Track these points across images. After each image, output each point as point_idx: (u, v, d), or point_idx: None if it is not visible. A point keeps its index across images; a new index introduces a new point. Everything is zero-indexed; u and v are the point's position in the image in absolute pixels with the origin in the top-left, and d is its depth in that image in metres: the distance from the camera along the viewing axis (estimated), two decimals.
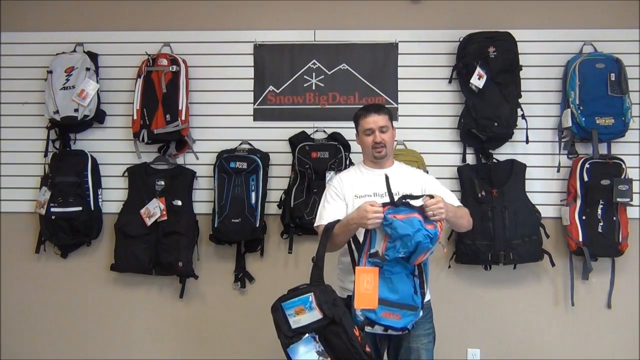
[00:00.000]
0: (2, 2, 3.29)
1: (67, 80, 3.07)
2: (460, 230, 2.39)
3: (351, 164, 3.03)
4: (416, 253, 1.99)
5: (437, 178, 2.44)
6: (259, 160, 3.02)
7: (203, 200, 3.18)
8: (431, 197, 2.06)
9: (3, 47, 3.28)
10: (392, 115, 2.41)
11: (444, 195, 2.24)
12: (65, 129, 3.16)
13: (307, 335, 2.03)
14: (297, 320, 2.03)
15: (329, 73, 3.19)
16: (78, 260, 3.24)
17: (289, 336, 2.04)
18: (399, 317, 2.06)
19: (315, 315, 2.03)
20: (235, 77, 3.21)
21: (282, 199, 3.08)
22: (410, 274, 2.08)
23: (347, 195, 2.32)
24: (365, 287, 2.01)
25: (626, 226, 2.96)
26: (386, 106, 2.45)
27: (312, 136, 3.13)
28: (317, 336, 2.04)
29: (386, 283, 2.05)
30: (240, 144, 3.16)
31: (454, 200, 2.33)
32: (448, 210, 2.09)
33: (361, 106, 2.45)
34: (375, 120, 2.29)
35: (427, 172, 2.79)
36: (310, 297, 2.03)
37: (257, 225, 3.01)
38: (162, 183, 3.10)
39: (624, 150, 3.05)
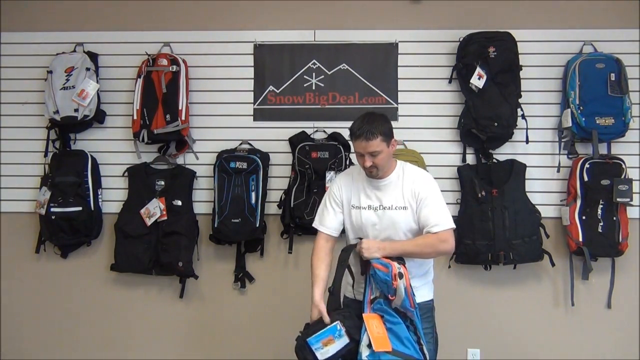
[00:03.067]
0: (2, 2, 3.29)
1: (67, 80, 3.07)
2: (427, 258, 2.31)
3: (351, 163, 3.03)
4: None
5: (437, 178, 2.38)
6: (259, 160, 3.02)
7: (203, 200, 3.18)
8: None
9: (3, 47, 3.28)
10: (388, 133, 2.20)
11: (430, 213, 2.20)
12: (65, 129, 3.16)
13: None
14: (326, 352, 2.05)
15: (329, 73, 3.19)
16: (78, 260, 3.24)
17: None
18: None
19: (344, 341, 2.06)
20: (235, 77, 3.21)
21: (282, 199, 3.08)
22: (407, 327, 2.08)
23: (345, 202, 2.34)
24: (377, 332, 2.03)
25: (626, 226, 2.96)
26: (381, 124, 2.18)
27: (312, 136, 3.13)
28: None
29: (392, 334, 2.06)
30: (240, 144, 3.16)
31: (436, 219, 2.19)
32: (385, 248, 2.13)
33: (360, 108, 2.44)
34: (364, 146, 2.18)
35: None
36: (339, 325, 2.07)
37: (257, 225, 3.01)
38: (162, 183, 3.10)
39: (624, 150, 3.05)
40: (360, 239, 2.21)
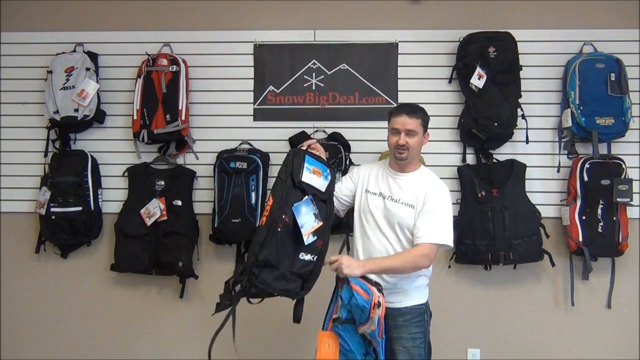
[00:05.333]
0: (2, 2, 3.29)
1: (67, 80, 3.07)
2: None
3: (351, 164, 3.04)
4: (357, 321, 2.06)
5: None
6: (259, 160, 3.02)
7: (203, 200, 3.18)
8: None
9: (3, 47, 3.28)
10: (426, 122, 2.33)
11: (425, 224, 2.20)
12: (65, 129, 3.16)
13: (307, 197, 2.10)
14: (310, 177, 2.12)
15: (329, 73, 3.19)
16: (78, 260, 3.24)
17: (295, 183, 2.09)
18: None
19: (323, 185, 2.16)
20: (235, 77, 3.21)
21: None
22: (364, 354, 2.07)
23: (359, 184, 2.40)
24: (327, 351, 2.06)
25: (626, 226, 2.96)
26: (423, 112, 2.33)
27: (312, 136, 3.12)
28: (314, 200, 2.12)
29: (343, 358, 2.07)
30: (240, 144, 3.16)
31: (427, 230, 2.19)
32: (366, 266, 2.11)
33: (394, 105, 2.55)
34: (403, 121, 2.26)
35: None
36: (329, 170, 2.21)
37: (257, 225, 3.01)
38: (162, 183, 3.10)
39: (624, 150, 3.05)
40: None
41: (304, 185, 2.09)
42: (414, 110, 2.30)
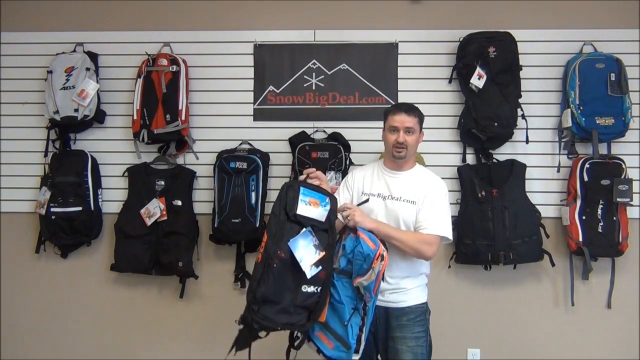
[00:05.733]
0: (2, 2, 3.29)
1: (67, 80, 3.07)
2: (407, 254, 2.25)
3: (351, 163, 3.04)
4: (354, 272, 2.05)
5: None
6: (259, 160, 3.02)
7: (203, 200, 3.18)
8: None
9: (3, 47, 3.28)
10: (422, 121, 2.36)
11: (428, 215, 2.23)
12: (65, 129, 3.16)
13: (304, 229, 2.03)
14: (306, 209, 2.04)
15: (329, 73, 3.19)
16: (78, 260, 3.24)
17: (290, 217, 2.02)
18: (332, 346, 2.07)
19: (322, 215, 2.07)
20: (235, 77, 3.21)
21: None
22: (353, 309, 2.08)
23: (355, 190, 2.38)
24: None
25: (626, 226, 2.96)
26: (419, 110, 2.35)
27: (312, 136, 3.13)
28: (313, 231, 2.06)
29: (331, 309, 2.07)
30: (240, 144, 3.17)
31: (431, 222, 2.23)
32: (374, 222, 2.15)
33: (392, 104, 2.54)
34: (402, 119, 2.28)
35: None
36: (328, 199, 2.12)
37: (257, 225, 3.01)
38: (162, 183, 3.10)
39: (624, 150, 3.05)
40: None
41: (299, 217, 2.02)
42: (412, 108, 2.34)
